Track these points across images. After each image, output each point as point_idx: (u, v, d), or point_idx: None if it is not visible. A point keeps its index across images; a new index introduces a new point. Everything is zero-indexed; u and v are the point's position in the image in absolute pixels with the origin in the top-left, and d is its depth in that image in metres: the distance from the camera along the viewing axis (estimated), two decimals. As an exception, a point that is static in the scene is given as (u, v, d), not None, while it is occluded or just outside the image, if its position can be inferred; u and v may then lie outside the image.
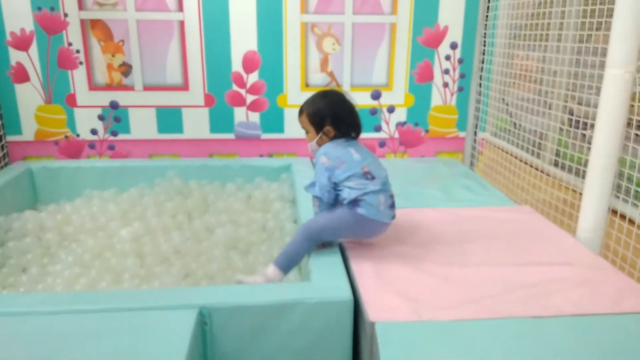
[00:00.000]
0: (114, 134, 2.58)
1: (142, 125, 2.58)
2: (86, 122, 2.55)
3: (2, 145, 2.51)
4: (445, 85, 2.69)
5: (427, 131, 2.75)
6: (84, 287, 1.74)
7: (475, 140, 2.70)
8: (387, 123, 2.71)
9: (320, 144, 1.59)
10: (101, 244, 2.06)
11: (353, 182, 1.52)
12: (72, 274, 1.84)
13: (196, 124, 2.61)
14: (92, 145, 2.59)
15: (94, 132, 2.57)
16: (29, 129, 2.53)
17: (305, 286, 1.35)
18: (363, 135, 2.59)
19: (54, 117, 2.53)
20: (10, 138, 2.53)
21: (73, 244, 2.08)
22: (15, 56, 2.44)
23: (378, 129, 2.71)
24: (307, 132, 1.62)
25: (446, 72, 2.67)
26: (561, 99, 2.01)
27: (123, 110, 2.55)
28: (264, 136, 2.66)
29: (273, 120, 2.65)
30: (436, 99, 2.71)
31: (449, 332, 1.18)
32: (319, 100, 1.58)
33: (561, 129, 2.00)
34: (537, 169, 2.15)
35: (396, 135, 2.73)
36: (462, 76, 2.69)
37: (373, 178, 1.54)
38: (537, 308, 1.29)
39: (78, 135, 2.57)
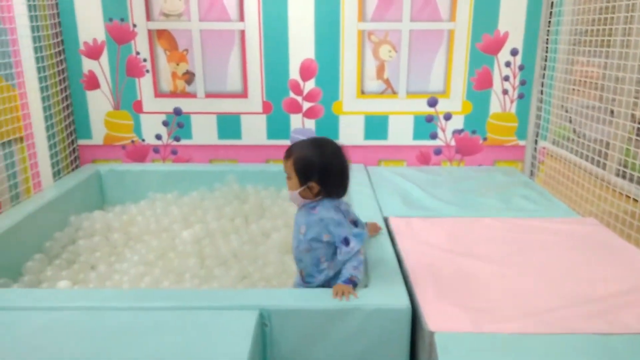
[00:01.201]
0: (177, 139, 2.69)
1: (203, 131, 2.67)
2: (151, 128, 2.67)
3: (74, 149, 2.67)
4: (505, 92, 2.63)
5: (485, 139, 2.69)
6: (148, 286, 1.82)
7: (535, 149, 2.63)
8: (444, 130, 2.68)
9: (303, 196, 1.42)
10: (164, 245, 2.15)
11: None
12: (137, 272, 1.93)
13: (254, 130, 2.68)
14: (156, 149, 2.71)
15: (158, 137, 2.69)
16: (98, 134, 2.68)
17: (364, 292, 1.36)
18: (419, 142, 2.57)
19: (121, 123, 2.67)
20: (81, 142, 2.69)
21: (138, 244, 2.19)
22: (88, 65, 2.60)
23: (434, 136, 2.68)
24: (288, 178, 1.43)
25: (506, 78, 2.62)
26: (629, 107, 1.93)
27: (186, 116, 2.66)
28: (319, 143, 2.70)
29: (328, 127, 2.68)
30: (495, 106, 2.65)
31: (509, 346, 1.16)
32: (310, 149, 1.40)
33: (629, 138, 1.91)
34: (602, 180, 2.07)
35: (452, 143, 2.69)
36: (522, 83, 2.62)
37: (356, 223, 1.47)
38: (603, 324, 1.24)
39: (144, 140, 2.70)
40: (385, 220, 1.93)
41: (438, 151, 2.71)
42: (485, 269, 1.52)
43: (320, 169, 1.37)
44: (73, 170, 2.64)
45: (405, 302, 1.30)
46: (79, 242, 2.13)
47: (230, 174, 2.61)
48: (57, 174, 2.48)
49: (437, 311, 1.27)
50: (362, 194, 2.22)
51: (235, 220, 2.34)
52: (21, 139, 2.30)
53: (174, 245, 2.16)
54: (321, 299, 1.32)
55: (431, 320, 1.23)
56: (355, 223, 1.47)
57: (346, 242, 1.37)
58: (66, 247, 2.13)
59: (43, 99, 2.35)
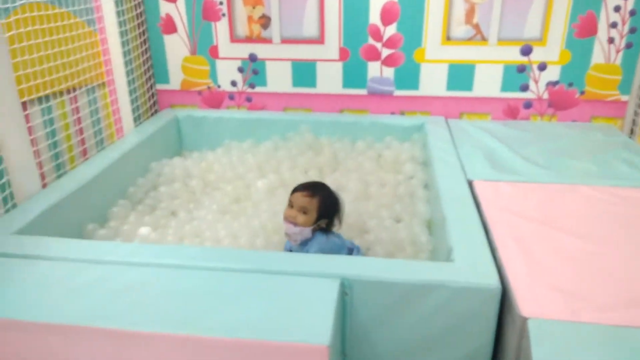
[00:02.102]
0: (252, 86, 2.64)
1: (278, 78, 2.61)
2: (227, 74, 2.64)
3: (153, 94, 2.70)
4: (611, 40, 2.34)
5: (582, 93, 2.44)
6: (224, 235, 1.84)
7: (640, 105, 2.36)
8: (537, 82, 2.45)
9: (313, 230, 1.61)
10: (239, 193, 2.17)
11: None
12: (214, 219, 1.96)
13: (329, 78, 2.57)
14: (231, 96, 2.69)
15: (233, 83, 2.65)
16: (175, 79, 2.68)
17: (449, 268, 1.29)
18: (507, 94, 2.39)
19: (198, 68, 2.65)
20: (159, 87, 2.71)
21: (215, 191, 2.22)
22: (165, 8, 2.56)
23: (525, 88, 2.46)
24: (303, 213, 1.58)
25: (613, 25, 2.32)
26: None
27: (261, 62, 2.59)
28: (397, 93, 2.56)
29: (408, 76, 2.52)
30: (597, 57, 2.38)
31: (611, 339, 1.06)
32: (333, 194, 1.66)
33: None
34: None
35: (545, 96, 2.47)
36: (632, 31, 2.32)
37: (352, 250, 1.68)
38: None
39: (219, 86, 2.67)
40: (470, 183, 1.82)
41: (528, 104, 2.50)
42: (583, 246, 1.40)
43: (337, 209, 1.65)
44: (152, 115, 2.69)
45: (495, 281, 1.22)
46: (160, 188, 2.19)
47: (304, 123, 2.55)
48: (137, 119, 2.52)
49: (530, 294, 1.19)
50: (443, 151, 2.10)
51: (308, 172, 2.31)
52: (104, 84, 2.34)
53: (249, 194, 2.17)
54: (405, 272, 1.27)
55: (524, 304, 1.15)
56: (351, 250, 1.68)
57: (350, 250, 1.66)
58: (148, 192, 2.19)
59: (122, 44, 2.36)
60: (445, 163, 1.97)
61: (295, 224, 1.59)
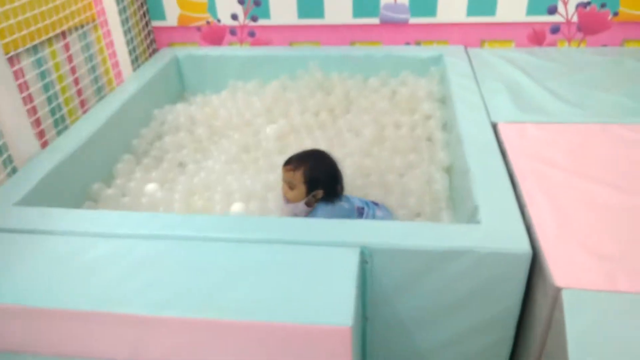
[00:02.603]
0: (254, 19, 2.45)
1: (283, 9, 2.40)
2: (226, 7, 2.43)
3: (149, 32, 2.52)
4: (653, -48, 2.09)
5: (615, 14, 2.22)
6: (238, 188, 1.76)
7: (681, 26, 2.15)
8: (566, 3, 2.22)
9: (309, 204, 1.52)
10: (248, 140, 2.07)
11: None
12: (222, 170, 1.88)
13: (338, 7, 2.36)
14: (233, 31, 2.50)
15: (234, 17, 2.46)
16: (172, 14, 2.49)
17: (475, 231, 1.21)
18: (533, 18, 2.20)
19: (195, 1, 2.44)
20: (155, 23, 2.52)
21: (222, 139, 2.12)
22: None
23: (552, 10, 2.24)
24: (290, 189, 1.51)
25: None
26: None
27: (263, -8, 2.38)
28: (412, 21, 2.35)
29: (424, 1, 2.30)
30: (636, -28, 2.14)
31: (652, 308, 1.00)
32: (318, 161, 1.53)
33: None
34: None
35: (575, 19, 2.25)
36: (678, -62, 2.06)
37: (363, 209, 1.57)
38: None
39: (219, 21, 2.48)
40: (494, 126, 1.69)
41: (555, 29, 2.29)
42: (620, 199, 1.30)
43: (328, 175, 1.52)
44: (151, 55, 2.53)
45: (525, 246, 1.14)
46: (165, 138, 2.09)
47: (313, 59, 2.38)
48: (135, 61, 2.37)
49: (564, 260, 1.11)
50: (464, 88, 1.95)
51: (320, 115, 2.19)
52: (96, 27, 2.17)
53: (259, 142, 2.07)
54: (428, 237, 1.19)
55: (558, 272, 1.08)
56: (362, 210, 1.56)
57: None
58: (153, 143, 2.10)
59: (111, -21, 2.16)
60: (466, 103, 1.83)
61: (287, 200, 1.53)
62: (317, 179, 1.50)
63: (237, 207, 1.66)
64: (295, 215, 1.56)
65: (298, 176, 1.50)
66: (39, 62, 1.83)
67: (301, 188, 1.50)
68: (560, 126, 1.65)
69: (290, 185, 1.51)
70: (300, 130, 2.13)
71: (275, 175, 1.80)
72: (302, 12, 2.39)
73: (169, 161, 1.99)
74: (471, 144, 1.56)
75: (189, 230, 1.26)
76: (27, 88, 1.76)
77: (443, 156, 1.83)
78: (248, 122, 2.18)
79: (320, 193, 1.52)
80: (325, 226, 1.25)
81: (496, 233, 1.20)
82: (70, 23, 1.97)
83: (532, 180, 1.39)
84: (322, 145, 1.99)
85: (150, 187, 1.81)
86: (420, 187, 1.76)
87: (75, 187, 1.69)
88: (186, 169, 1.95)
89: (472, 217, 1.32)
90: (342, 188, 1.57)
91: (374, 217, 1.57)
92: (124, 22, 2.29)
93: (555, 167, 1.44)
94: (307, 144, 2.01)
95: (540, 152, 1.51)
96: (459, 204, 1.56)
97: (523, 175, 1.41)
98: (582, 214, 1.26)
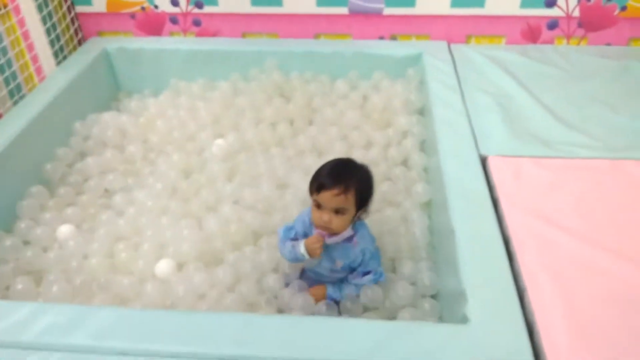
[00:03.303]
0: (199, 5, 2.04)
1: (232, -6, 2.00)
2: (165, -10, 2.02)
3: (73, 19, 2.09)
4: None
5: (623, 8, 1.90)
6: (172, 238, 1.43)
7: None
8: (566, -4, 1.90)
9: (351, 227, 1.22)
10: (190, 161, 1.72)
11: None
12: (157, 206, 1.54)
13: (299, -7, 1.98)
14: (173, 19, 2.09)
15: (174, 3, 2.05)
16: (99, -2, 2.07)
17: (462, 335, 0.92)
18: (528, 11, 1.88)
19: (126, -17, 2.02)
20: (80, 9, 2.10)
21: (159, 158, 1.76)
22: None
23: (551, 3, 1.91)
24: (340, 214, 1.15)
25: None
26: None
27: (208, -26, 1.97)
28: (387, 11, 1.99)
29: (401, -12, 1.94)
30: (650, -41, 1.81)
31: None
32: (366, 176, 1.22)
33: None
34: None
35: (576, 13, 1.92)
36: None
37: None
38: None
39: (156, 7, 2.07)
40: (484, 160, 1.39)
41: (553, 24, 1.96)
42: (643, 283, 1.03)
43: (371, 191, 1.21)
44: (76, 46, 2.11)
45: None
46: (88, 159, 1.72)
47: (270, 55, 2.01)
48: (60, 52, 1.97)
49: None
50: (445, 103, 1.63)
51: (277, 127, 1.84)
52: (8, 14, 1.75)
53: (203, 163, 1.72)
54: (406, 341, 0.90)
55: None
56: None
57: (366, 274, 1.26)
58: (73, 165, 1.73)
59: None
60: (449, 125, 1.52)
61: (329, 235, 1.19)
62: (365, 198, 1.19)
63: (163, 266, 1.34)
64: (335, 242, 1.21)
65: (350, 198, 1.14)
66: None
67: (352, 211, 1.17)
68: (562, 162, 1.36)
69: (339, 211, 1.15)
70: (253, 147, 1.79)
71: (223, 214, 1.48)
72: (257, -2, 2.00)
73: (90, 190, 1.64)
74: (457, 193, 1.26)
75: (118, 339, 0.94)
76: None
77: (421, 190, 1.53)
78: (191, 136, 1.82)
79: (362, 212, 1.21)
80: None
81: (489, 339, 0.91)
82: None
83: (532, 250, 1.10)
84: (279, 169, 1.67)
85: (63, 230, 1.47)
86: (395, 227, 1.47)
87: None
88: (112, 201, 1.60)
89: (457, 304, 1.03)
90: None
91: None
92: (41, 6, 1.88)
93: (561, 228, 1.15)
94: (260, 166, 1.68)
95: (541, 204, 1.22)
96: (441, 255, 1.28)
97: (521, 243, 1.12)
98: (598, 306, 0.98)
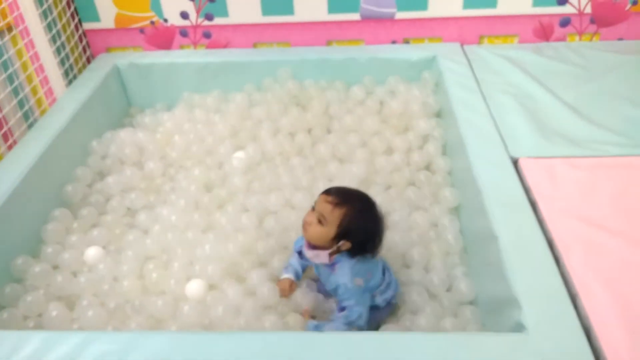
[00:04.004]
0: (209, 17, 2.02)
1: (243, 5, 1.98)
2: (174, 3, 2.00)
3: (81, 36, 2.07)
4: None
5: (635, 3, 1.91)
6: (200, 253, 1.42)
7: None
8: (578, -8, 1.90)
9: (331, 254, 1.22)
10: (211, 176, 1.70)
11: (381, 286, 1.26)
12: (183, 221, 1.52)
13: (310, 1, 1.96)
14: (183, 32, 2.07)
15: (184, 15, 2.03)
16: (107, 14, 2.03)
17: (522, 345, 0.91)
18: (540, 9, 1.90)
19: (134, -2, 2.00)
20: (87, 25, 2.07)
21: (179, 174, 1.74)
22: None
23: (563, 1, 1.91)
24: (319, 222, 1.18)
25: None
26: None
27: (217, -14, 1.95)
28: (399, 15, 1.98)
29: (413, -8, 1.93)
30: (661, -47, 1.82)
31: None
32: (365, 209, 1.19)
33: None
34: None
35: (588, 9, 1.93)
36: None
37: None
38: None
39: (166, 21, 2.04)
40: (515, 163, 1.38)
41: (565, 21, 1.96)
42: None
43: (365, 232, 1.19)
44: (86, 64, 2.08)
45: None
46: (108, 178, 1.69)
47: (283, 64, 1.99)
48: (69, 72, 1.95)
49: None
50: (467, 105, 1.62)
51: (296, 137, 1.83)
52: (15, 38, 1.71)
53: (224, 176, 1.71)
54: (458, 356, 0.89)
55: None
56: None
57: (357, 313, 1.18)
58: (93, 185, 1.71)
59: (25, -21, 1.70)
60: (474, 129, 1.51)
61: (308, 238, 1.22)
62: (354, 230, 1.17)
63: (194, 287, 1.32)
64: (311, 259, 1.25)
65: (336, 215, 1.16)
66: None
67: (331, 230, 1.17)
68: (595, 161, 1.35)
69: (321, 218, 1.17)
70: (274, 158, 1.77)
71: (247, 230, 1.47)
72: (268, 7, 1.98)
73: (113, 211, 1.61)
74: (494, 197, 1.25)
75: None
76: None
77: (449, 194, 1.52)
78: (209, 149, 1.80)
79: (346, 245, 1.19)
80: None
81: (549, 346, 0.91)
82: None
83: (579, 253, 1.09)
84: (303, 179, 1.66)
85: (91, 253, 1.44)
86: (424, 233, 1.46)
87: (-7, 265, 1.32)
88: (136, 219, 1.58)
89: (505, 311, 1.02)
90: (378, 248, 1.23)
91: (391, 277, 1.29)
92: (50, 26, 1.85)
93: (604, 229, 1.15)
94: (283, 177, 1.67)
95: (579, 205, 1.22)
96: (475, 260, 1.28)
97: (565, 246, 1.11)
98: (654, 310, 0.97)
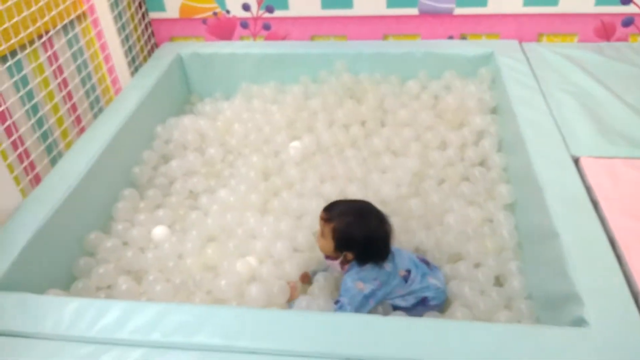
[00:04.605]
0: (270, 10, 2.08)
1: (303, -2, 2.03)
2: (237, -5, 2.07)
3: (147, 25, 2.16)
4: None
5: None
6: (264, 231, 1.48)
7: None
8: (644, -8, 1.86)
9: (342, 264, 1.30)
10: (268, 164, 1.76)
11: (400, 292, 1.29)
12: (242, 204, 1.59)
13: (369, -5, 2.00)
14: (244, 24, 2.14)
15: (246, 7, 2.09)
16: (172, 4, 2.12)
17: (584, 340, 0.93)
18: (602, 8, 1.90)
19: (199, -11, 2.07)
20: (153, 15, 2.16)
21: (238, 160, 1.82)
22: None
23: (627, 1, 1.88)
24: (322, 236, 1.28)
25: None
26: None
27: (280, -21, 2.00)
28: (458, 11, 1.99)
29: (472, -13, 1.94)
30: None
31: None
32: (353, 222, 1.23)
33: None
34: None
35: (653, 9, 1.89)
36: None
37: (409, 273, 1.30)
38: None
39: (228, 12, 2.11)
40: (575, 161, 1.38)
41: (628, 21, 1.92)
42: None
43: (362, 241, 1.23)
44: (150, 52, 2.18)
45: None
46: (172, 162, 1.78)
47: (339, 57, 2.03)
48: (133, 61, 2.04)
49: None
50: (526, 103, 1.62)
51: (350, 129, 1.87)
52: (88, 28, 1.82)
53: (280, 164, 1.76)
54: (515, 348, 0.91)
55: None
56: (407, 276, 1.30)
57: (340, 307, 1.22)
58: (158, 168, 1.80)
59: (99, -32, 1.80)
60: (534, 126, 1.51)
61: (325, 255, 1.33)
62: (348, 241, 1.24)
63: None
64: (328, 267, 1.37)
65: (328, 230, 1.26)
66: (22, 79, 1.50)
67: (330, 243, 1.26)
68: (658, 163, 1.34)
69: (322, 233, 1.28)
70: (329, 149, 1.82)
71: (299, 217, 1.53)
72: (327, 1, 2.02)
73: (177, 193, 1.70)
74: (556, 195, 1.25)
75: (212, 336, 0.99)
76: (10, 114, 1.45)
77: (505, 191, 1.53)
78: (267, 138, 1.86)
79: (350, 255, 1.26)
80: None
81: (611, 341, 0.92)
82: (59, 26, 1.64)
83: (642, 252, 1.10)
84: (356, 170, 1.70)
85: (158, 232, 1.53)
86: (478, 229, 1.48)
87: (69, 238, 1.41)
88: (198, 202, 1.66)
89: (565, 306, 1.04)
90: (384, 251, 1.26)
91: (421, 284, 1.30)
92: (117, 17, 1.94)
93: (668, 231, 1.14)
94: (337, 167, 1.71)
95: (642, 204, 1.21)
96: (530, 256, 1.30)
97: (627, 246, 1.12)
98: None
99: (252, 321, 1.01)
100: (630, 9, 1.89)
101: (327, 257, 1.33)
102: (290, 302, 1.32)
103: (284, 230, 1.48)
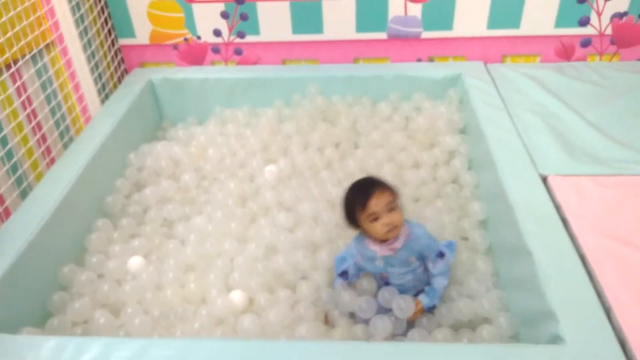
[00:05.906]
0: (241, 35, 2.10)
1: (274, 23, 2.06)
2: (207, 21, 2.08)
3: (116, 51, 2.15)
4: (700, -46, 1.83)
5: (654, 25, 1.97)
6: (242, 261, 1.48)
7: None
8: (599, 14, 1.95)
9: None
10: (244, 188, 1.76)
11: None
12: (219, 231, 1.58)
13: (339, 20, 2.04)
14: (216, 49, 2.15)
15: (217, 33, 2.10)
16: (142, 31, 2.12)
17: (560, 356, 0.96)
18: (562, 30, 1.96)
19: (169, 15, 2.07)
20: (123, 41, 2.15)
21: (213, 186, 1.81)
22: (116, -64, 1.93)
23: (584, 22, 1.97)
24: (394, 210, 1.24)
25: None
26: None
27: (250, 5, 2.02)
28: (425, 35, 2.05)
29: (439, 13, 2.00)
30: (679, -22, 1.88)
31: None
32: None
33: None
34: None
35: (608, 31, 1.99)
36: None
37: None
38: None
39: (199, 38, 2.12)
40: (544, 180, 1.43)
41: (586, 42, 2.02)
42: None
43: None
44: (120, 78, 2.16)
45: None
46: (145, 190, 1.76)
47: (311, 81, 2.06)
48: (103, 89, 2.02)
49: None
50: (494, 122, 1.67)
51: (324, 151, 1.89)
52: (57, 57, 1.79)
53: (256, 189, 1.77)
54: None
55: None
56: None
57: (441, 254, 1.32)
58: (131, 196, 1.77)
59: (68, -1, 1.78)
60: (502, 145, 1.56)
61: (395, 236, 1.27)
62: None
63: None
64: (397, 250, 1.28)
65: (391, 196, 1.26)
66: (-17, 115, 1.47)
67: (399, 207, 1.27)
68: (622, 180, 1.40)
69: (392, 207, 1.24)
70: (304, 171, 1.84)
71: (274, 241, 1.53)
72: (298, 26, 2.06)
73: (152, 221, 1.67)
74: (526, 213, 1.30)
75: None
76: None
77: (477, 208, 1.57)
78: (242, 163, 1.87)
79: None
80: None
81: (588, 358, 0.95)
82: (27, 56, 1.62)
83: (611, 269, 1.14)
84: (332, 192, 1.71)
85: (134, 262, 1.50)
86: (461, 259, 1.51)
87: (42, 273, 1.37)
88: (174, 230, 1.64)
89: (541, 323, 1.07)
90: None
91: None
92: (87, 45, 1.92)
93: (633, 245, 1.19)
94: (314, 190, 1.72)
95: (609, 223, 1.27)
96: (503, 273, 1.33)
97: (597, 262, 1.16)
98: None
99: (240, 352, 1.00)
100: (588, 30, 1.99)
101: (384, 241, 1.28)
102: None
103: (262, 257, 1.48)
